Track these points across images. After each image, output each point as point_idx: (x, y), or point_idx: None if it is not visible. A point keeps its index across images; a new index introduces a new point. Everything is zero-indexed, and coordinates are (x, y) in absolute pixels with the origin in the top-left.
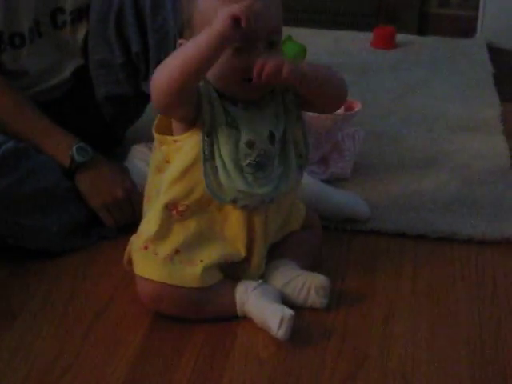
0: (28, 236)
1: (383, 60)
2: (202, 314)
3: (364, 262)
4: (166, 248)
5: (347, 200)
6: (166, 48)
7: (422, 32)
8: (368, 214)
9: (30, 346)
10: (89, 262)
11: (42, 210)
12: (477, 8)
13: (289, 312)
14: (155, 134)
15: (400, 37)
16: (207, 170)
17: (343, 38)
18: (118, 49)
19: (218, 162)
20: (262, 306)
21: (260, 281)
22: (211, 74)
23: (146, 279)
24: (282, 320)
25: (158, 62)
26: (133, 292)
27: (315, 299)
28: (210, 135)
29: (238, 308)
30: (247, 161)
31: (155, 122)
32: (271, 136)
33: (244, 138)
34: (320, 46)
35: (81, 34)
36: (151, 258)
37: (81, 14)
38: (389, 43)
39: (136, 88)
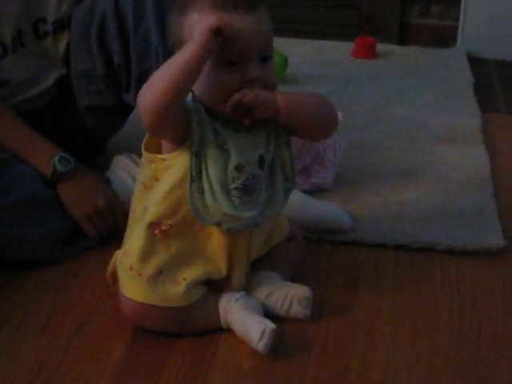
0: (10, 246)
1: (364, 70)
2: (186, 329)
3: (346, 273)
4: (149, 269)
5: (329, 211)
6: (148, 60)
7: (402, 42)
8: (350, 225)
9: (12, 356)
10: (71, 273)
11: (25, 220)
12: (457, 18)
13: (271, 325)
14: (144, 152)
15: (381, 47)
16: (193, 191)
17: (325, 48)
18: (99, 60)
19: (205, 184)
20: (243, 318)
21: (243, 292)
22: (203, 92)
23: (130, 298)
24: (263, 332)
25: (140, 74)
26: (115, 303)
27: (298, 310)
28: (198, 156)
29: (221, 319)
30: (235, 184)
31: (144, 139)
32: (261, 160)
33: (233, 161)
34: (302, 56)
35: (62, 44)
36: (136, 279)
37: (63, 24)
38: (370, 53)
39: (118, 99)
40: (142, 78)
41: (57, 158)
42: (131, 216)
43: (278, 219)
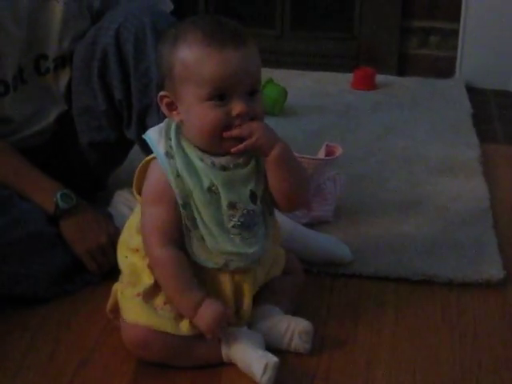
0: (12, 283)
1: (363, 101)
2: (188, 361)
3: (346, 306)
4: (157, 300)
5: (329, 244)
6: (149, 95)
7: (401, 73)
8: (350, 258)
9: None
10: (73, 309)
11: (27, 257)
12: (455, 48)
13: (273, 359)
14: (136, 195)
15: (380, 78)
16: (191, 240)
17: (324, 80)
18: (101, 96)
19: (202, 230)
20: (246, 352)
21: (245, 327)
22: (193, 132)
23: (134, 325)
24: (266, 366)
25: (141, 109)
26: (117, 339)
27: (298, 344)
28: (186, 207)
29: (223, 353)
30: (232, 222)
31: (134, 181)
32: (252, 195)
33: (224, 200)
34: (301, 88)
35: (64, 81)
36: (142, 304)
37: (64, 60)
38: (369, 84)
39: (119, 134)
40: (143, 114)
41: (59, 195)
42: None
43: (276, 251)
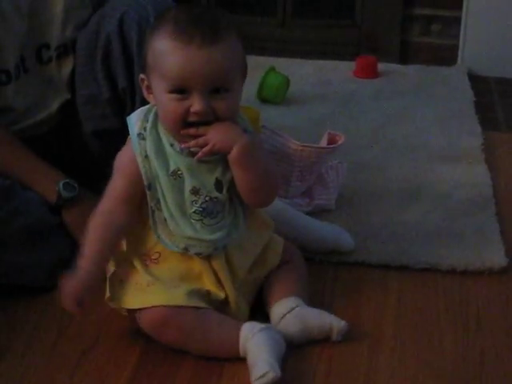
0: (14, 272)
1: (366, 89)
2: (204, 344)
3: (349, 294)
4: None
5: (331, 232)
6: None
7: (403, 61)
8: (352, 246)
9: (18, 383)
10: None
11: (29, 246)
12: (457, 36)
13: (276, 371)
14: None
15: (382, 66)
16: (155, 221)
17: (326, 68)
18: (104, 84)
19: (164, 212)
20: (260, 351)
21: (269, 324)
22: (160, 115)
23: (149, 308)
24: (265, 374)
25: (144, 98)
26: (119, 328)
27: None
28: (150, 188)
29: (240, 344)
30: (193, 208)
31: None
32: (218, 183)
33: (188, 185)
34: (303, 76)
35: (66, 70)
36: (145, 289)
37: (66, 49)
38: (371, 72)
39: (122, 122)
40: (146, 101)
41: (61, 184)
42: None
43: (272, 240)
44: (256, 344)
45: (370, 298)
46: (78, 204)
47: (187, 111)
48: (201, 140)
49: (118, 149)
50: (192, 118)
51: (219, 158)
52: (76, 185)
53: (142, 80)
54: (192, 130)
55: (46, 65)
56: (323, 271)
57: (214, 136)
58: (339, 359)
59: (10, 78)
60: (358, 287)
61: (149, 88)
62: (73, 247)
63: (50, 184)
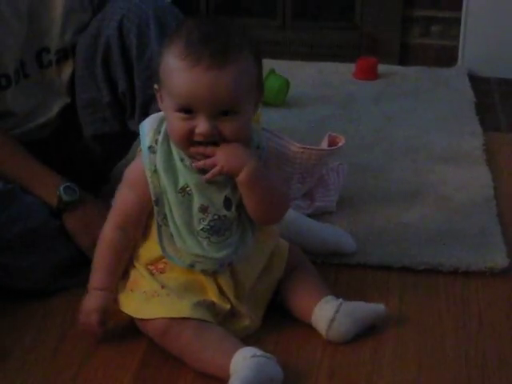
0: (16, 277)
1: (366, 91)
2: (199, 359)
3: (351, 296)
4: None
5: (333, 234)
6: (152, 87)
7: (403, 62)
8: (353, 248)
9: None
10: (77, 302)
11: (31, 250)
12: (457, 38)
13: None
14: None
15: (382, 67)
16: (162, 236)
17: (326, 70)
18: (104, 87)
19: (171, 228)
20: (241, 373)
21: (265, 353)
22: (168, 131)
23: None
24: None
25: (144, 101)
26: (121, 334)
27: None
28: (158, 204)
29: (231, 366)
30: (201, 225)
31: None
32: (227, 201)
33: (196, 202)
34: (303, 78)
35: (66, 73)
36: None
37: (66, 53)
38: (371, 74)
39: (123, 126)
40: (146, 105)
41: (62, 188)
42: None
43: (276, 245)
44: (242, 368)
45: (371, 300)
46: (79, 208)
47: (192, 131)
48: (209, 161)
49: (118, 152)
50: (197, 138)
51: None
52: (77, 188)
53: (157, 90)
54: (201, 149)
55: (46, 69)
56: (325, 273)
57: (223, 158)
58: (341, 361)
59: (10, 82)
60: (359, 289)
61: (161, 98)
62: (74, 251)
63: (51, 188)
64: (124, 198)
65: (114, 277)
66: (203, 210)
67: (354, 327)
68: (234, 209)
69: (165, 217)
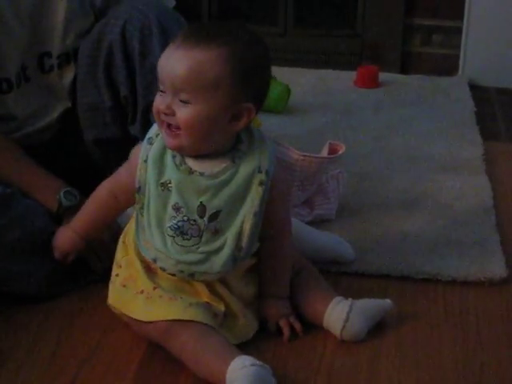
0: (15, 281)
1: (366, 99)
2: (196, 362)
3: None
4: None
5: (332, 242)
6: (154, 92)
7: (404, 71)
8: (352, 256)
9: None
10: (76, 307)
11: (29, 254)
12: (458, 47)
13: None
14: None
15: (383, 76)
16: (138, 224)
17: (327, 78)
18: (106, 92)
19: (145, 219)
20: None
21: (259, 362)
22: None
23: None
24: None
25: (146, 106)
26: (119, 338)
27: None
28: (139, 192)
29: (227, 374)
30: (170, 223)
31: None
32: (201, 207)
33: (172, 200)
34: (304, 86)
35: (68, 78)
36: (145, 301)
37: (68, 57)
38: (372, 82)
39: (124, 131)
40: (148, 111)
41: (62, 193)
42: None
43: None
44: (239, 377)
45: None
46: None
47: (158, 108)
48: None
49: (118, 157)
50: (153, 110)
51: (216, 183)
52: (77, 193)
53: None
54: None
55: (48, 73)
56: None
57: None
58: (339, 369)
59: (12, 86)
60: (358, 297)
61: None
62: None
63: (51, 192)
64: (121, 170)
65: (89, 226)
66: (176, 208)
67: (366, 325)
68: (206, 218)
69: (142, 206)
